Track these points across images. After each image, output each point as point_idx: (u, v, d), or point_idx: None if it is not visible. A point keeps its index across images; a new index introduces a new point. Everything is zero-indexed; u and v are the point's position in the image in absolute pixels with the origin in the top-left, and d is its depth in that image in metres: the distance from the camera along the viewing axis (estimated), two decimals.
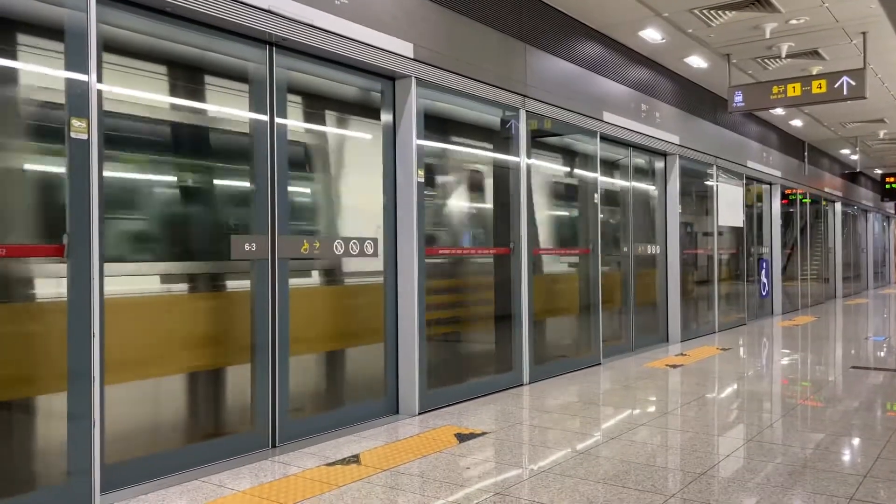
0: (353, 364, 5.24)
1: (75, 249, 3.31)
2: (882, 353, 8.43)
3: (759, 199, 13.10)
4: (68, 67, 3.32)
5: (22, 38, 3.33)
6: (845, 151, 16.80)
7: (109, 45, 3.67)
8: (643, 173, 9.10)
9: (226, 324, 4.24)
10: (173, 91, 4.16)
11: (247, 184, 4.35)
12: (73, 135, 3.30)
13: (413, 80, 5.20)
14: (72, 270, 3.30)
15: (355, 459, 4.07)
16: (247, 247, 4.22)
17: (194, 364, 4.11)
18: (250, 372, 4.28)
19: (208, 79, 4.27)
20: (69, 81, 3.32)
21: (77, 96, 3.33)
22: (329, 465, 3.98)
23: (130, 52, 3.85)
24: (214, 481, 3.70)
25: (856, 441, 4.47)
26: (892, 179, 18.48)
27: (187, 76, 4.19)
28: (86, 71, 3.36)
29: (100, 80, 3.45)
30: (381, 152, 5.24)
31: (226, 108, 4.36)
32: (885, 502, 3.36)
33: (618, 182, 8.53)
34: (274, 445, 4.34)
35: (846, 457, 4.16)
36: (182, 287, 4.13)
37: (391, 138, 5.28)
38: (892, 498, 3.42)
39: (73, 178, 3.31)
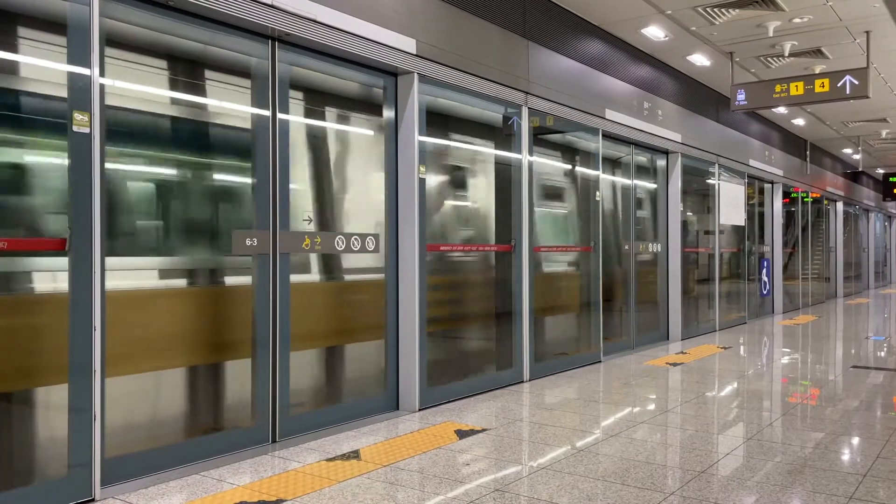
0: (353, 360, 5.25)
1: (77, 243, 3.31)
2: (882, 353, 8.43)
3: (761, 197, 13.09)
4: (71, 61, 3.31)
5: (24, 31, 3.33)
6: (847, 151, 16.78)
7: (112, 40, 3.67)
8: (645, 171, 9.10)
9: (226, 318, 4.24)
10: (175, 86, 4.16)
11: (248, 179, 4.35)
12: (75, 128, 3.30)
13: (415, 76, 5.20)
14: (73, 264, 3.30)
15: (355, 455, 4.07)
16: (248, 242, 4.22)
17: (195, 358, 4.11)
18: (251, 367, 4.28)
19: (210, 73, 4.26)
20: (71, 75, 3.32)
21: (79, 90, 3.32)
22: (329, 460, 3.98)
23: (133, 47, 3.85)
24: (214, 476, 3.71)
25: (855, 440, 4.47)
26: None
27: (189, 71, 4.19)
28: (88, 65, 3.35)
29: (102, 73, 3.45)
30: (383, 148, 5.24)
31: (228, 103, 4.35)
32: (884, 501, 3.36)
33: (619, 180, 8.52)
34: (274, 440, 4.35)
35: (846, 456, 4.16)
36: (182, 282, 4.14)
37: (393, 134, 5.27)
38: (892, 497, 3.42)
39: (75, 171, 3.31)
